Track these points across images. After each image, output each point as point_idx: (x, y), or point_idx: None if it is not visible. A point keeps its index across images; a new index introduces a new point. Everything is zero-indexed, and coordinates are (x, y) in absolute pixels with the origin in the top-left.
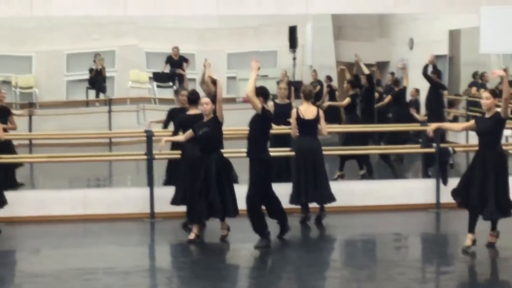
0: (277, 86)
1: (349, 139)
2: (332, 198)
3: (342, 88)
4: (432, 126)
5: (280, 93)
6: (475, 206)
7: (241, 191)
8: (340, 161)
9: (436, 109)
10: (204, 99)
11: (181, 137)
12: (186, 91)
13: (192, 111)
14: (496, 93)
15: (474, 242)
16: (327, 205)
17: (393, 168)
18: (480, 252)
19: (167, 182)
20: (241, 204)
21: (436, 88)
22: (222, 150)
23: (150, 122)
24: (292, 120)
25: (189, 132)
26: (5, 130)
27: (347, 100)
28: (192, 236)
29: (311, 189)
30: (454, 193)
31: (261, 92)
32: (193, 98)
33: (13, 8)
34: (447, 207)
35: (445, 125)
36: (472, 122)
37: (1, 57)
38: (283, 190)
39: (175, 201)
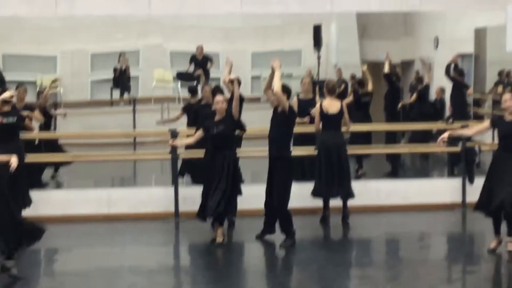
0: (301, 81)
1: (354, 138)
2: (351, 195)
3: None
4: (444, 135)
5: (303, 88)
6: (499, 207)
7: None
8: (356, 160)
9: (459, 108)
10: (219, 97)
11: (190, 139)
12: (209, 86)
13: None
14: None
15: (499, 243)
16: (352, 205)
17: (396, 170)
18: (506, 253)
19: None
20: (251, 204)
21: (459, 87)
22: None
23: (163, 121)
24: (316, 114)
25: (199, 133)
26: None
27: (349, 98)
28: (215, 235)
29: (333, 184)
30: (479, 206)
31: (285, 90)
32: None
33: (38, 8)
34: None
35: (456, 132)
36: (486, 124)
37: (26, 57)
38: (306, 189)
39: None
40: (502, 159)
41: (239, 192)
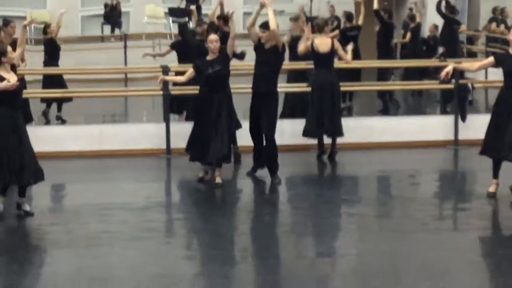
0: (290, 22)
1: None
2: (340, 133)
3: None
4: (446, 69)
5: (294, 26)
6: (498, 149)
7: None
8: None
9: (451, 45)
10: (213, 36)
11: (181, 78)
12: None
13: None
14: None
15: (498, 186)
16: (344, 142)
17: (387, 108)
18: (500, 192)
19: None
20: (243, 141)
21: (450, 24)
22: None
23: (145, 54)
24: (304, 41)
25: (190, 71)
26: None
27: (335, 33)
28: (201, 174)
29: (324, 124)
30: (485, 151)
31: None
32: (214, 29)
33: None
34: (466, 144)
35: (460, 66)
36: (490, 59)
37: None
38: (298, 126)
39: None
40: (508, 97)
41: (238, 125)
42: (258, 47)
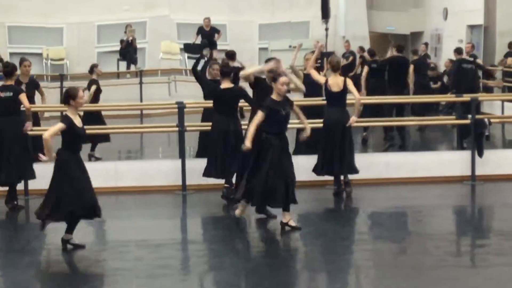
0: (304, 58)
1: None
2: (354, 170)
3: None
4: None
5: (307, 64)
6: None
7: None
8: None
9: (460, 81)
10: (283, 79)
11: (254, 125)
12: (217, 65)
13: (224, 85)
14: None
15: None
16: (360, 178)
17: (391, 144)
18: None
19: (199, 154)
20: None
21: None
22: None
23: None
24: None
25: (261, 115)
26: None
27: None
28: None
29: (334, 162)
30: None
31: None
32: (227, 71)
33: None
34: (483, 179)
35: None
36: None
37: (33, 28)
38: (314, 162)
39: (208, 173)
40: None
41: None
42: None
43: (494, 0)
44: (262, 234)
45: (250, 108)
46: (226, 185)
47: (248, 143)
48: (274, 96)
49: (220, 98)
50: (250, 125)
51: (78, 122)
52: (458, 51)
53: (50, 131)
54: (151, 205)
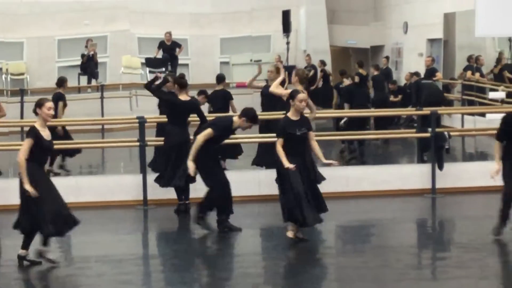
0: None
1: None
2: (322, 178)
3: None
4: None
5: (270, 77)
6: None
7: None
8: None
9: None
10: (302, 96)
11: (279, 149)
12: (171, 76)
13: (182, 97)
14: None
15: None
16: (322, 192)
17: (353, 157)
18: (480, 238)
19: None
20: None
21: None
22: None
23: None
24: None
25: (281, 141)
26: None
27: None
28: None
29: None
30: None
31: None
32: (184, 82)
33: None
34: (443, 192)
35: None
36: None
37: None
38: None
39: (160, 181)
40: None
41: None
42: None
43: (453, 14)
44: (223, 249)
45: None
46: (180, 201)
47: (190, 164)
48: (290, 115)
49: (177, 110)
50: (196, 142)
51: (46, 135)
52: (375, 67)
53: (22, 152)
54: (112, 220)
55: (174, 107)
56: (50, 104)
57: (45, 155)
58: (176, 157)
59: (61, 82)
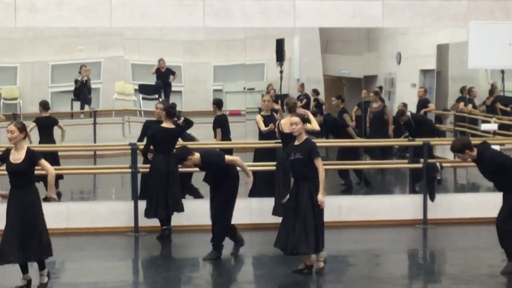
0: (262, 99)
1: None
2: None
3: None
4: None
5: (264, 106)
6: None
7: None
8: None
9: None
10: (295, 119)
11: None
12: (161, 104)
13: (166, 124)
14: None
15: None
16: None
17: (349, 186)
18: (471, 270)
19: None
20: (234, 218)
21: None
22: None
23: None
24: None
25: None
26: None
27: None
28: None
29: None
30: None
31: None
32: (172, 112)
33: None
34: (434, 223)
35: None
36: None
37: None
38: (266, 204)
39: (147, 214)
40: None
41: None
42: None
43: (446, 45)
44: (214, 277)
45: None
46: (163, 227)
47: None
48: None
49: (161, 137)
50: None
51: (16, 158)
52: (316, 92)
53: None
54: (103, 247)
55: (157, 135)
56: (10, 127)
57: (13, 177)
58: (163, 187)
59: (46, 105)
